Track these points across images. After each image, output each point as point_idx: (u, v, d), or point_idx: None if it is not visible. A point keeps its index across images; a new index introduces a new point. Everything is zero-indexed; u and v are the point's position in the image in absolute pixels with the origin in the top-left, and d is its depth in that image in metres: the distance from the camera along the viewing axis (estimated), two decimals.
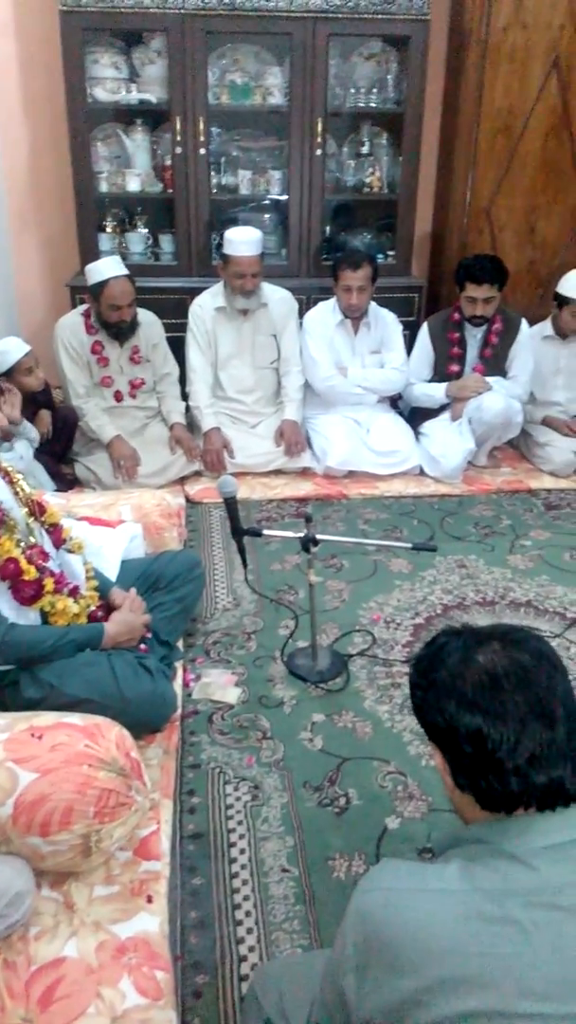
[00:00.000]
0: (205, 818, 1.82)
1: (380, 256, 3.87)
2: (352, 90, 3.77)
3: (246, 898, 1.63)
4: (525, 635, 0.99)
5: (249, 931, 1.57)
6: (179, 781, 1.90)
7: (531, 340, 3.59)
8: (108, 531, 2.34)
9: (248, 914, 1.60)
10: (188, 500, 3.34)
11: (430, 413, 3.67)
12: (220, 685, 2.23)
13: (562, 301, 3.55)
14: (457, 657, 0.97)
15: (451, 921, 0.85)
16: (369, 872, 0.95)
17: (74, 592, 1.90)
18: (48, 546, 1.91)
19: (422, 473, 3.57)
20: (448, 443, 3.51)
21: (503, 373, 3.59)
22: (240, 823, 1.80)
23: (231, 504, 2.17)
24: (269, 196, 3.88)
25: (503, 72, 3.52)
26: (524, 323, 3.56)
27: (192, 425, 3.59)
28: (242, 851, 1.74)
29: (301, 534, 2.20)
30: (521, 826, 0.90)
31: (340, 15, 3.45)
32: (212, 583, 2.76)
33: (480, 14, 3.45)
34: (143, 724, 1.88)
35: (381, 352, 3.67)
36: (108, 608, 2.00)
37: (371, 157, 3.91)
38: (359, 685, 2.28)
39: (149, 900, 1.55)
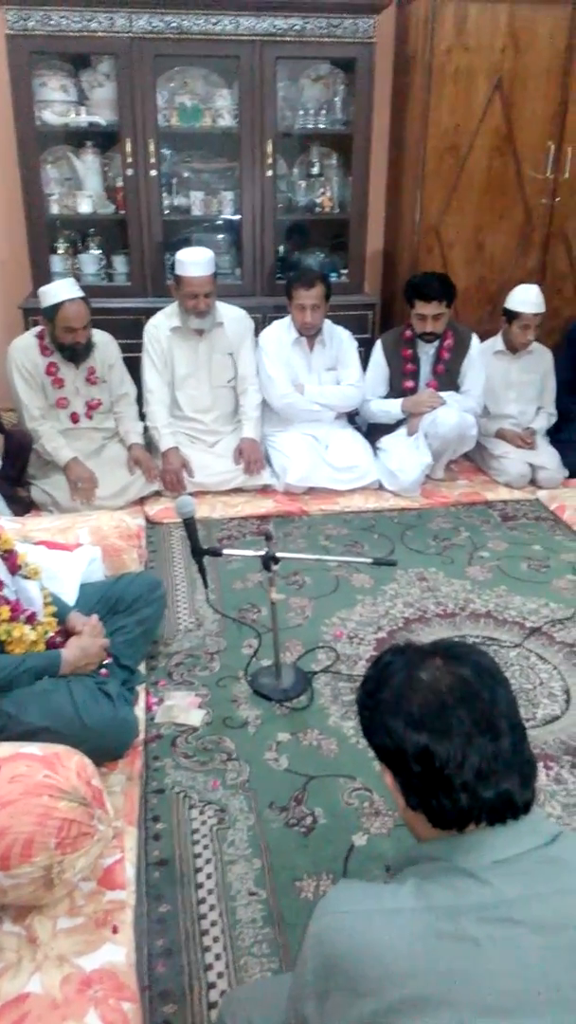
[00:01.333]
0: (170, 844, 1.79)
1: (333, 274, 3.92)
2: (301, 112, 3.82)
3: (213, 923, 1.61)
4: (466, 649, 1.01)
5: (217, 957, 1.55)
6: (143, 807, 1.88)
7: (482, 355, 3.65)
8: (66, 555, 2.31)
9: (216, 940, 1.58)
10: (148, 521, 3.32)
11: (387, 428, 3.71)
12: (183, 708, 2.21)
13: (511, 316, 3.63)
14: (401, 676, 0.97)
15: (408, 941, 0.85)
16: (326, 896, 0.95)
17: (31, 619, 1.87)
18: (3, 573, 1.88)
19: (381, 488, 3.60)
20: (406, 457, 3.55)
21: (456, 388, 3.65)
22: (206, 847, 1.78)
23: (190, 524, 2.17)
24: (222, 216, 3.90)
25: (448, 93, 3.59)
26: (475, 338, 3.63)
27: (150, 445, 3.57)
28: (209, 876, 1.72)
29: (261, 553, 2.20)
30: (473, 842, 0.91)
31: (287, 38, 3.51)
32: (174, 604, 2.75)
33: (423, 37, 3.53)
34: (105, 751, 1.85)
35: (337, 369, 3.71)
36: (67, 634, 1.97)
37: (321, 177, 3.96)
38: (323, 702, 2.28)
39: (114, 930, 1.52)
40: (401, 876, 0.95)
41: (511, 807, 0.91)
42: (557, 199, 3.82)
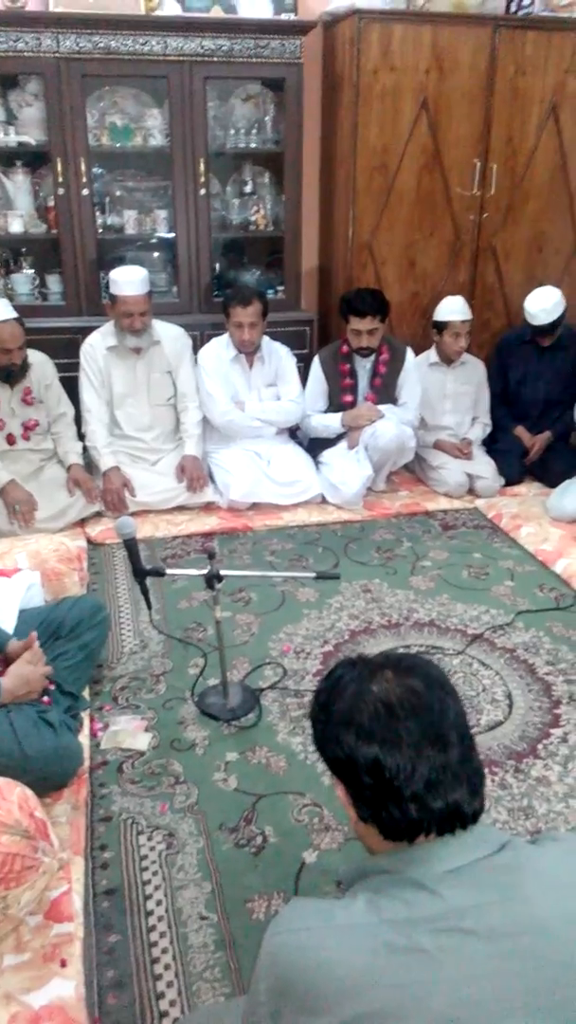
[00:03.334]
0: (119, 872, 1.76)
1: (270, 291, 3.95)
2: (232, 131, 3.85)
3: (164, 951, 1.59)
4: (416, 661, 1.02)
5: (169, 984, 1.53)
6: (90, 836, 1.84)
7: (417, 368, 3.73)
8: (3, 581, 2.27)
9: (167, 967, 1.56)
10: (90, 542, 3.28)
11: (328, 442, 3.74)
12: (129, 732, 2.18)
13: (441, 327, 3.73)
14: (353, 689, 0.98)
15: (360, 956, 0.85)
16: (278, 915, 0.95)
17: None
18: None
19: (324, 501, 3.63)
20: (347, 470, 3.59)
21: (394, 401, 3.71)
22: (155, 874, 1.76)
23: (131, 545, 2.15)
24: (156, 235, 3.90)
25: (375, 113, 3.67)
26: (410, 352, 3.70)
27: (90, 465, 3.53)
28: (158, 902, 1.69)
29: (205, 571, 2.19)
30: (423, 853, 0.92)
31: (215, 59, 3.53)
32: (118, 626, 2.71)
33: (350, 58, 3.60)
34: (48, 781, 1.82)
35: (277, 385, 3.73)
36: (6, 662, 1.93)
37: (255, 195, 3.99)
38: (272, 719, 2.28)
39: (63, 964, 1.49)
40: (353, 891, 0.96)
41: (460, 817, 0.92)
42: (484, 215, 3.92)
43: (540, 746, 2.16)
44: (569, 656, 2.57)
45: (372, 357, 3.65)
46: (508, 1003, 0.82)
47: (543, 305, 3.66)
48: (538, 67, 3.75)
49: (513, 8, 3.77)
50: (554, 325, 3.69)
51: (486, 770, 2.03)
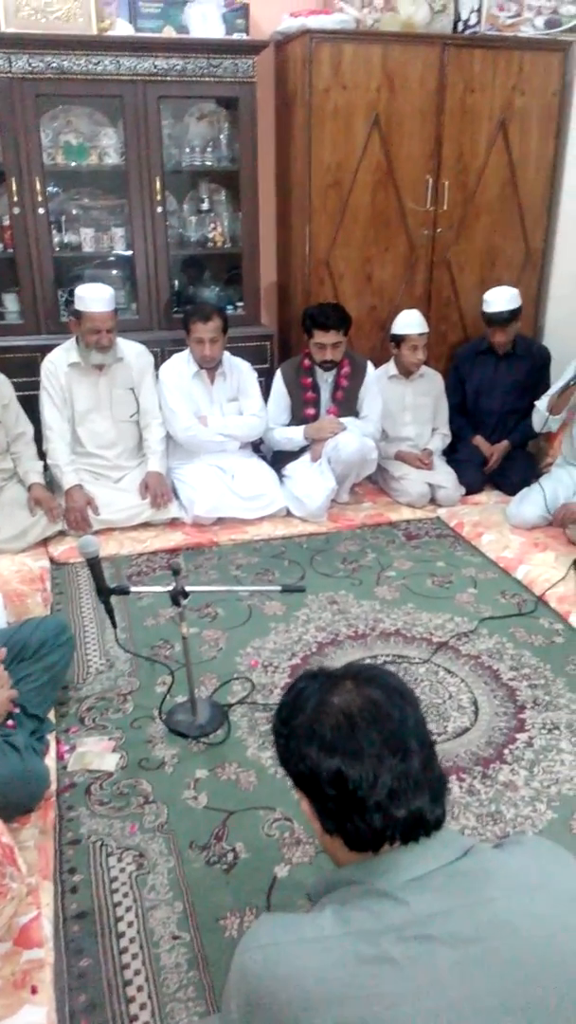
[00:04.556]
0: (88, 895, 1.74)
1: (230, 307, 3.98)
2: (187, 149, 3.88)
3: (137, 972, 1.58)
4: (376, 672, 1.04)
5: (142, 1007, 1.51)
6: (58, 860, 1.82)
7: (378, 381, 3.78)
8: None
9: (140, 989, 1.55)
10: (53, 562, 3.25)
11: (291, 455, 3.76)
12: (97, 753, 2.16)
13: (398, 340, 3.79)
14: (314, 701, 0.99)
15: (329, 968, 0.86)
16: (247, 931, 0.95)
17: None
18: None
19: (289, 514, 3.65)
20: (311, 483, 3.61)
21: (355, 413, 3.75)
22: (126, 895, 1.74)
23: (94, 564, 2.14)
24: (114, 252, 3.90)
25: (328, 130, 3.72)
26: (370, 365, 3.75)
27: (52, 484, 3.51)
28: (130, 924, 1.68)
29: (170, 588, 2.19)
30: (388, 862, 0.93)
31: (168, 78, 3.56)
32: (83, 646, 2.69)
33: (302, 77, 3.65)
34: (15, 806, 1.80)
35: (239, 400, 3.75)
36: None
37: (212, 213, 4.01)
38: (240, 734, 2.27)
39: (33, 991, 1.47)
40: (320, 904, 0.96)
41: (423, 824, 0.93)
42: (438, 230, 3.99)
43: (506, 751, 2.19)
44: (532, 661, 2.61)
45: (334, 371, 3.69)
46: (477, 1007, 0.83)
47: (502, 295, 3.76)
48: (486, 85, 3.84)
49: (460, 28, 3.85)
50: (512, 315, 3.77)
51: (455, 777, 2.07)
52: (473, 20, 3.83)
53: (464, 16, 3.84)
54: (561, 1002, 0.85)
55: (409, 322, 3.77)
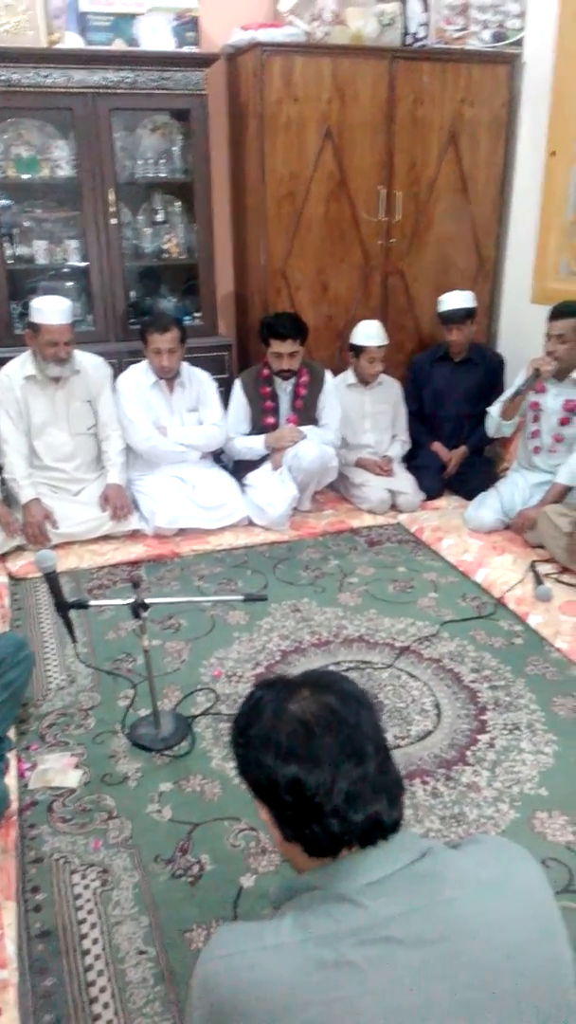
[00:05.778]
0: (52, 914, 1.72)
1: (187, 317, 3.97)
2: (140, 161, 3.87)
3: (103, 990, 1.56)
4: (333, 678, 1.04)
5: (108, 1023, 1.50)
6: (21, 879, 1.79)
7: (336, 389, 3.81)
8: None
9: (106, 1006, 1.53)
10: (11, 577, 3.21)
11: (252, 464, 3.77)
12: (59, 770, 2.13)
13: (357, 351, 3.83)
14: (271, 710, 1.00)
15: (290, 975, 0.86)
16: (208, 941, 0.95)
17: None
18: None
19: (251, 523, 3.65)
20: (272, 492, 3.62)
21: (315, 422, 3.77)
22: (90, 912, 1.72)
23: (52, 579, 2.11)
24: (68, 264, 3.88)
25: (281, 142, 3.74)
26: (328, 374, 3.78)
27: (10, 498, 3.46)
28: (95, 941, 1.66)
29: (130, 601, 2.17)
30: (347, 866, 0.93)
31: (119, 91, 3.56)
32: (43, 662, 2.66)
33: (254, 89, 3.67)
34: None
35: (199, 410, 3.75)
36: None
37: (167, 224, 4.01)
38: (205, 745, 2.26)
39: None
40: (281, 911, 0.96)
41: (380, 828, 0.94)
42: (392, 240, 4.04)
43: (469, 752, 2.21)
44: (492, 662, 2.64)
45: (293, 380, 3.71)
46: (439, 1008, 0.84)
47: (457, 295, 3.87)
48: (435, 97, 3.91)
49: (409, 41, 3.92)
50: (467, 314, 3.83)
51: (419, 780, 2.08)
52: (421, 33, 3.91)
53: (412, 29, 3.90)
54: (521, 1000, 0.86)
55: (369, 334, 3.80)
